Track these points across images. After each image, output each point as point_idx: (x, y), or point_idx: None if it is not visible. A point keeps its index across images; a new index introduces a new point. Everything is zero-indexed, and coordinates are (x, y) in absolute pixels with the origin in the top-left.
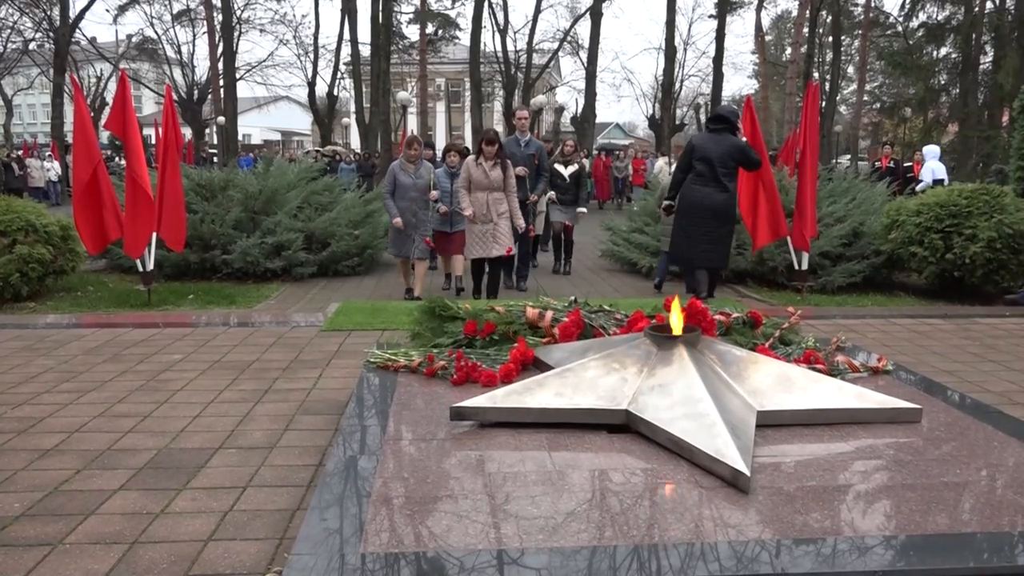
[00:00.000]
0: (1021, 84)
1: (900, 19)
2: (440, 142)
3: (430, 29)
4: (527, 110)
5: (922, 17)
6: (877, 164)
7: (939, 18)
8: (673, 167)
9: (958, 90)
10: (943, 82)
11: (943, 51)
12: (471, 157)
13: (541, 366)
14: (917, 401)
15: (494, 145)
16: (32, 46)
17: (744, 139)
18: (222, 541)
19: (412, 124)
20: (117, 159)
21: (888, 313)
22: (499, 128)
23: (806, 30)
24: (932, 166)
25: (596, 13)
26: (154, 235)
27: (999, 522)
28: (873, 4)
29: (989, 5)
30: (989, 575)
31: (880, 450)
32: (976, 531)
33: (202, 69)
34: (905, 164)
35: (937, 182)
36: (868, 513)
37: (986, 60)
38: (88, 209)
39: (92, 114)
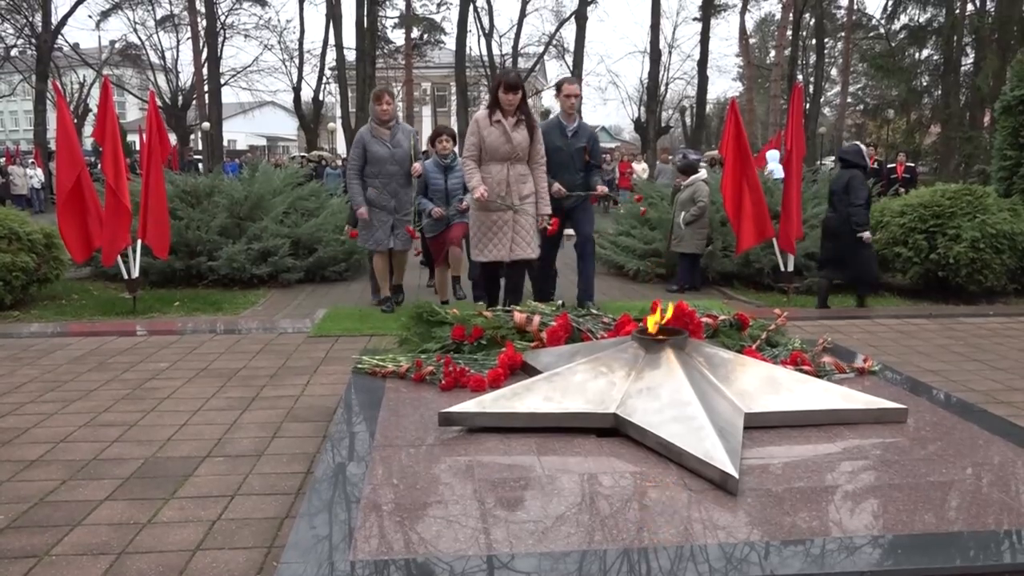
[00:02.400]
0: (1001, 86)
1: (882, 21)
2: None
3: (415, 33)
4: (578, 86)
5: (904, 19)
6: None
7: (920, 20)
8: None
9: (940, 92)
10: (925, 84)
11: (925, 53)
12: (482, 112)
13: (529, 370)
14: (903, 401)
15: (517, 92)
16: (14, 52)
17: (852, 173)
18: (210, 550)
19: None
20: (100, 166)
21: (873, 313)
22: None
23: (790, 33)
24: (772, 167)
25: (581, 17)
26: (139, 242)
27: (985, 521)
28: (856, 6)
29: (970, 8)
30: (976, 574)
31: (867, 450)
32: (962, 530)
33: (186, 75)
34: (889, 165)
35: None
36: (856, 513)
37: (967, 62)
38: (73, 217)
39: (75, 120)
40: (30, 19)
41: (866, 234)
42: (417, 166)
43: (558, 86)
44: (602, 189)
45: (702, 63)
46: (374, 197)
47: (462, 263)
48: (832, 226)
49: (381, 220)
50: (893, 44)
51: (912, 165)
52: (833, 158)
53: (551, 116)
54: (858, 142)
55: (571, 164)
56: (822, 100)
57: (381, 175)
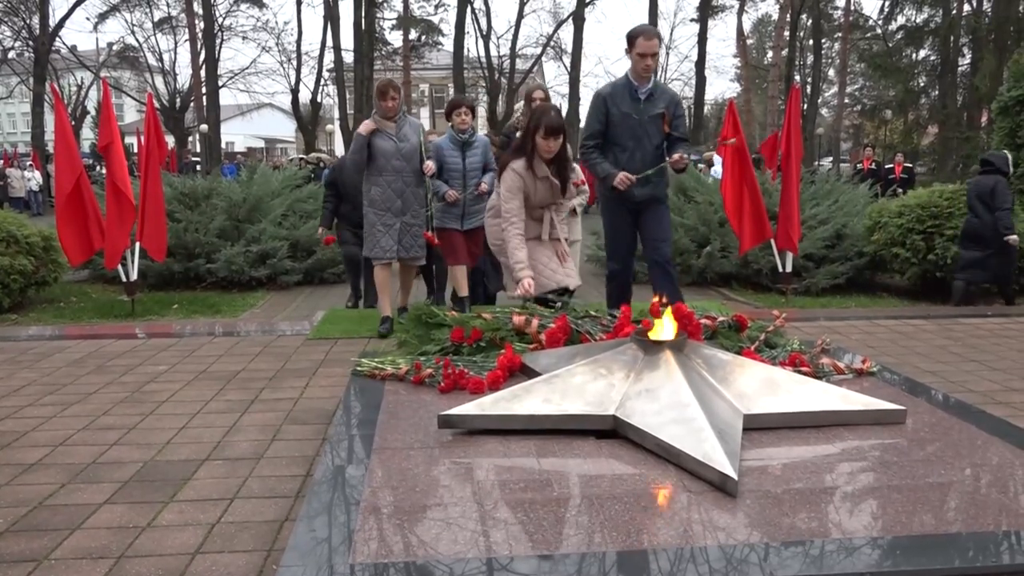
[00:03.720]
0: (998, 86)
1: (879, 22)
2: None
3: (413, 35)
4: (657, 41)
5: (901, 20)
6: (859, 166)
7: (917, 21)
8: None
9: (937, 92)
10: (922, 84)
11: (922, 53)
12: (521, 164)
13: (528, 372)
14: (901, 402)
15: (559, 137)
16: (11, 55)
17: (997, 178)
18: (210, 554)
19: None
20: (98, 168)
21: (871, 314)
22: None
23: (787, 33)
24: (717, 169)
25: (579, 18)
26: (138, 245)
27: (984, 521)
28: (853, 7)
29: (966, 8)
30: (975, 575)
31: (865, 451)
32: (961, 531)
33: (184, 77)
34: (887, 166)
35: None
36: (855, 514)
37: (964, 62)
38: (72, 220)
39: (73, 123)
40: (28, 21)
41: (1013, 237)
42: (430, 164)
43: (631, 40)
44: (682, 158)
45: (699, 64)
46: (378, 197)
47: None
48: (974, 230)
49: (387, 224)
50: (890, 44)
51: (910, 165)
52: (830, 159)
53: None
54: (1006, 151)
55: (644, 136)
56: (820, 101)
57: (386, 172)
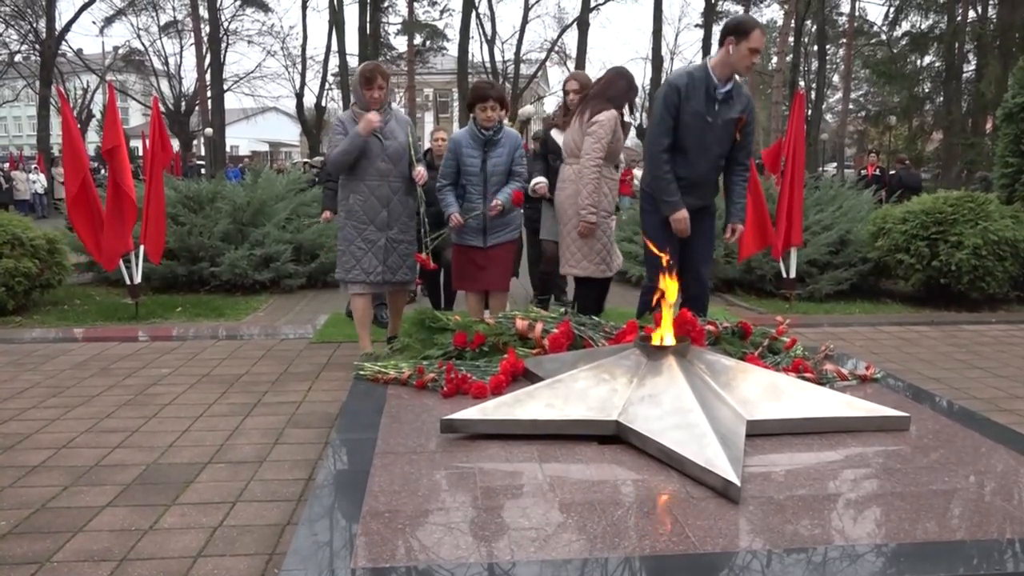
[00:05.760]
0: (1003, 93)
1: (884, 28)
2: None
3: (418, 40)
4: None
5: (905, 26)
6: (863, 172)
7: (922, 27)
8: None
9: (942, 98)
10: (927, 90)
11: (927, 60)
12: (613, 111)
13: (531, 377)
14: (905, 409)
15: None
16: (18, 58)
17: None
18: (212, 557)
19: None
20: (103, 171)
21: (875, 320)
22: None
23: (791, 39)
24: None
25: (583, 23)
26: (142, 247)
27: (988, 529)
28: (857, 13)
29: (971, 14)
30: None
31: (869, 458)
32: (965, 538)
33: (189, 80)
34: (891, 172)
35: None
36: (858, 521)
37: (969, 68)
38: (93, 224)
39: (79, 126)
40: (34, 25)
41: None
42: (421, 170)
43: (744, 30)
44: (738, 232)
45: None
46: (358, 207)
47: (505, 302)
48: None
49: (368, 239)
50: (895, 51)
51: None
52: (834, 164)
53: (689, 67)
54: None
55: (713, 143)
56: (824, 106)
57: (368, 176)
